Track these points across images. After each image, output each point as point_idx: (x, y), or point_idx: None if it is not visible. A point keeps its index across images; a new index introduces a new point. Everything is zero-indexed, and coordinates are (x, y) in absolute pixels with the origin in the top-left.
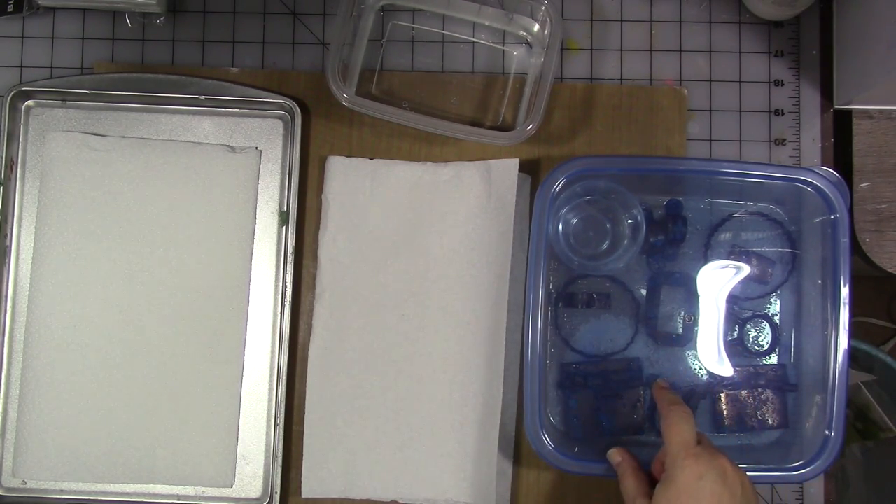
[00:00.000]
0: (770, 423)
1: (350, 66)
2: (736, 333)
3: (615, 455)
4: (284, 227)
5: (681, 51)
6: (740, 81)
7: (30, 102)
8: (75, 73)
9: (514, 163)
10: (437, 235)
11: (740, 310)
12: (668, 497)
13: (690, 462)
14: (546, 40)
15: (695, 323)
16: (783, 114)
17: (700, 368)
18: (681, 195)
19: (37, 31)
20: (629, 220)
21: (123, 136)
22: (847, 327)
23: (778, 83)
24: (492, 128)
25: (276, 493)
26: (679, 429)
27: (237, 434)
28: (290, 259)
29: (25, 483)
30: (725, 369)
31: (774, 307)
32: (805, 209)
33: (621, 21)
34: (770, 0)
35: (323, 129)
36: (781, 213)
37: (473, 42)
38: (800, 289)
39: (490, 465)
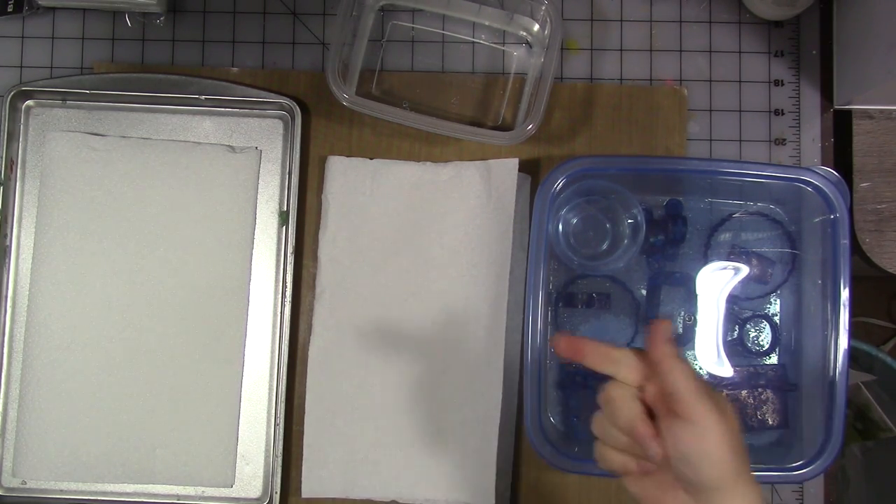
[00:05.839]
0: (770, 423)
1: (350, 66)
2: (736, 333)
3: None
4: (284, 227)
5: (681, 51)
6: (740, 81)
7: (30, 102)
8: (75, 73)
9: (513, 163)
10: (437, 235)
11: (740, 310)
12: (693, 440)
13: (712, 405)
14: (546, 40)
15: (695, 323)
16: (783, 114)
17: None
18: (681, 195)
19: (37, 31)
20: (629, 220)
21: (123, 136)
22: (847, 327)
23: (778, 83)
24: (492, 128)
25: (276, 493)
26: (689, 371)
27: (237, 434)
28: (290, 259)
29: (25, 483)
30: (725, 369)
31: (774, 307)
32: (805, 209)
33: (621, 21)
34: (770, 0)
35: (323, 129)
36: (781, 213)
37: (473, 42)
38: (800, 289)
39: (490, 465)
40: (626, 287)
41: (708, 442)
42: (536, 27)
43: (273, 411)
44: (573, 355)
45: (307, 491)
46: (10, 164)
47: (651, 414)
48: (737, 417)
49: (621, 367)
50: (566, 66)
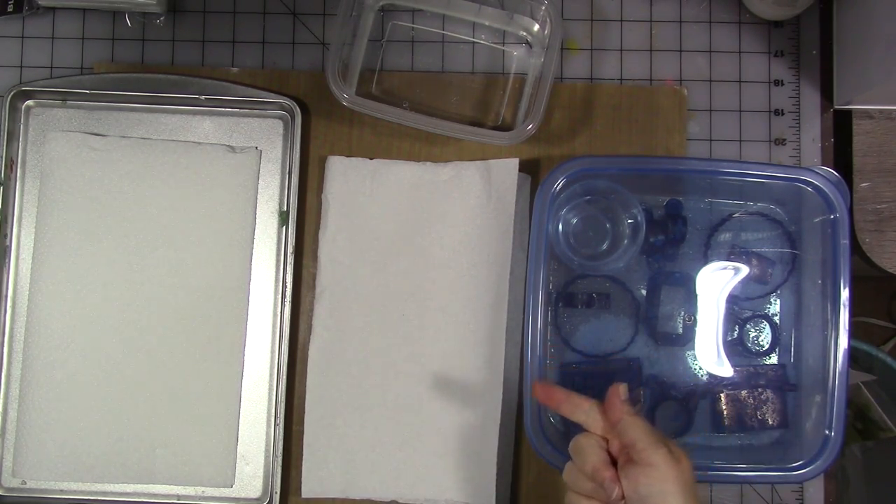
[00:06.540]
0: (770, 423)
1: (350, 66)
2: (736, 333)
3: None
4: (284, 227)
5: (681, 51)
6: (740, 81)
7: (30, 102)
8: (75, 73)
9: (514, 162)
10: (437, 235)
11: (740, 310)
12: (650, 482)
13: (666, 451)
14: (546, 40)
15: (695, 323)
16: (783, 114)
17: (700, 368)
18: (681, 195)
19: (37, 31)
20: (629, 220)
21: (123, 136)
22: (847, 327)
23: (778, 83)
24: (492, 128)
25: (276, 493)
26: (645, 424)
27: (237, 434)
28: (290, 259)
29: (25, 483)
30: (725, 369)
31: (774, 307)
32: (805, 209)
33: (621, 21)
34: (770, 0)
35: (323, 129)
36: (781, 213)
37: (473, 42)
38: (800, 289)
39: (490, 465)
40: (626, 287)
41: (663, 483)
42: (536, 27)
43: (273, 411)
44: (548, 402)
45: (307, 491)
46: (10, 164)
47: (615, 464)
48: (691, 463)
49: (589, 416)
50: (566, 66)
